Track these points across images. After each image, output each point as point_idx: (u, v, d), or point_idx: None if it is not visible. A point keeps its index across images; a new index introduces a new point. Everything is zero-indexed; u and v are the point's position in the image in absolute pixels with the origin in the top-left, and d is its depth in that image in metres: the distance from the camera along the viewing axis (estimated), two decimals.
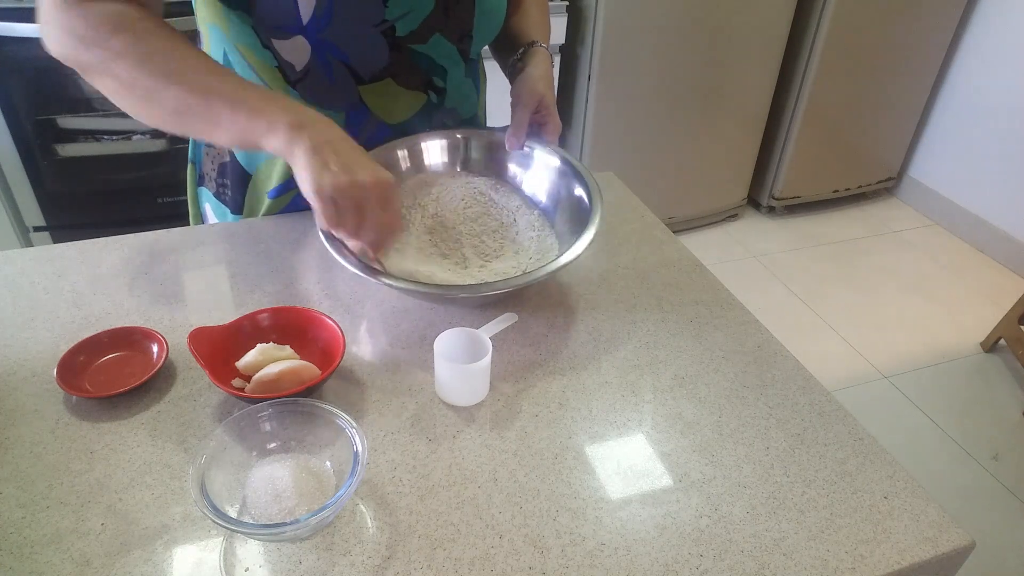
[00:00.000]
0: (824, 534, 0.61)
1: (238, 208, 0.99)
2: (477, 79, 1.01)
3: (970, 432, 1.95)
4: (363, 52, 0.83)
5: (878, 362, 2.17)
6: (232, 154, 0.95)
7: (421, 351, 0.78)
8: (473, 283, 0.82)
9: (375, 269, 0.75)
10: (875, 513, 0.63)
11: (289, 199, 0.97)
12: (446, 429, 0.69)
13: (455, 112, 0.98)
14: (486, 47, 1.03)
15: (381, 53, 0.84)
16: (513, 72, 0.98)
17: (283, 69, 0.84)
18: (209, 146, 0.98)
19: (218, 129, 0.71)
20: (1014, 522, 1.73)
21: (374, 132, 0.92)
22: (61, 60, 0.71)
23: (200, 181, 1.03)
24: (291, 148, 0.67)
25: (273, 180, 0.95)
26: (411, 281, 0.77)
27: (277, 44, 0.81)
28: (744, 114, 2.52)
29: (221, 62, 0.88)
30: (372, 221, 0.69)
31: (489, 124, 1.14)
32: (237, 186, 0.97)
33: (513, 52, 0.98)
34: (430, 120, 0.95)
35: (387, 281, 0.74)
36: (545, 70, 0.94)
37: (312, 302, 0.84)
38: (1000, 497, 1.79)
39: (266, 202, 0.97)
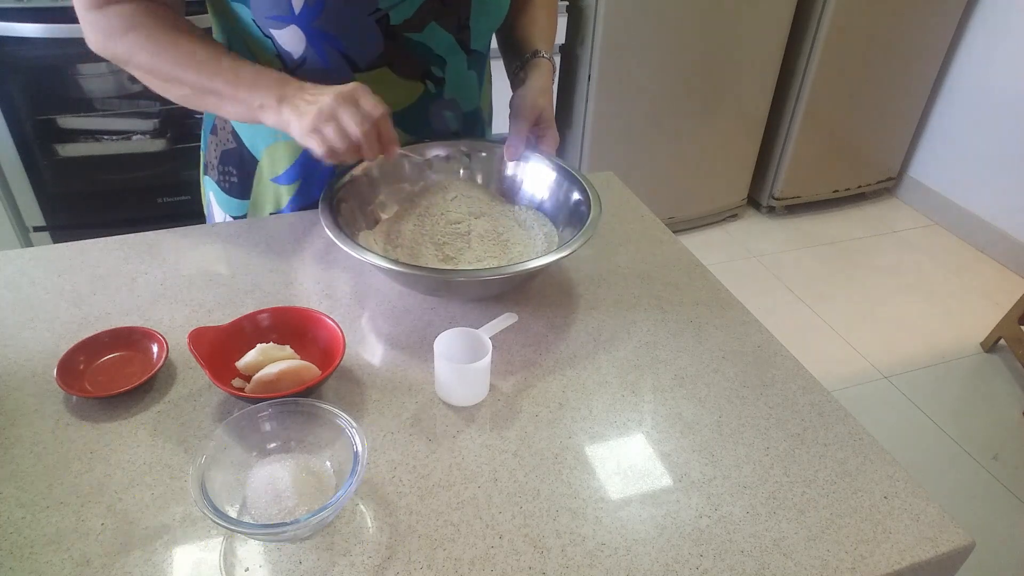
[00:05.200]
0: (824, 534, 0.61)
1: (244, 194, 0.99)
2: (482, 72, 1.01)
3: (969, 432, 1.95)
4: (357, 41, 0.84)
5: (878, 362, 2.17)
6: (238, 140, 0.95)
7: (421, 351, 0.78)
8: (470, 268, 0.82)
9: (379, 254, 0.77)
10: (875, 513, 0.63)
11: (296, 188, 0.97)
12: (446, 429, 0.69)
13: (455, 103, 0.97)
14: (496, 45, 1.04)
15: (376, 42, 0.84)
16: (515, 82, 0.98)
17: (281, 57, 0.85)
18: (213, 134, 0.98)
19: (226, 108, 0.81)
20: (1013, 522, 1.73)
21: None
22: (98, 54, 0.82)
23: (205, 170, 1.04)
24: (280, 119, 0.77)
25: (279, 165, 0.95)
26: (409, 265, 0.78)
27: (273, 33, 0.82)
28: (744, 114, 2.52)
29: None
30: (356, 126, 0.75)
31: (495, 121, 1.14)
32: (243, 172, 0.98)
33: (516, 59, 0.98)
34: (428, 110, 0.95)
35: (386, 264, 0.74)
36: (546, 84, 0.94)
37: (312, 302, 0.84)
38: (999, 497, 1.79)
39: (272, 187, 0.98)
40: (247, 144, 0.95)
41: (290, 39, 0.83)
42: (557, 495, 0.63)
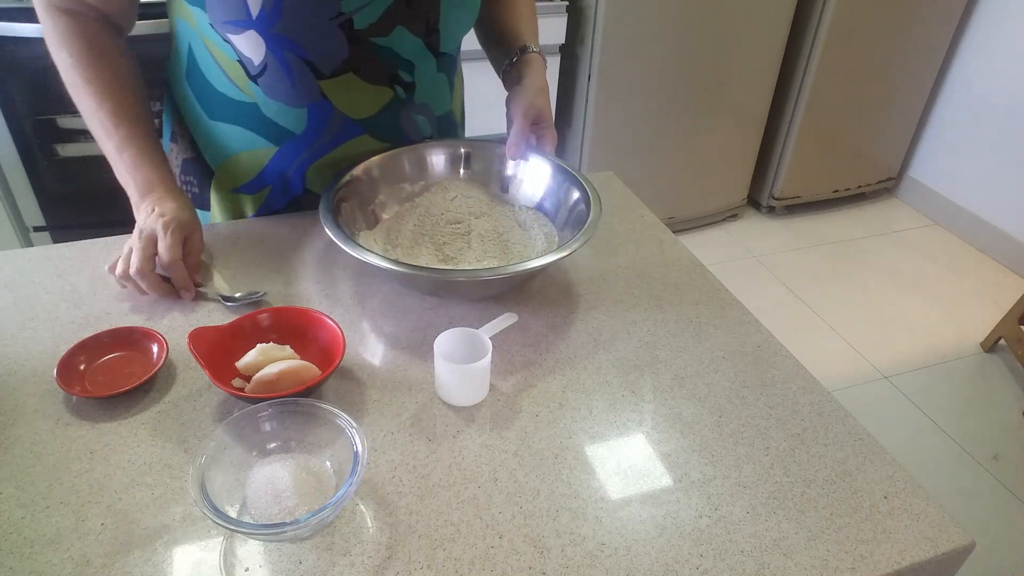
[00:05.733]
0: (824, 534, 0.61)
1: (205, 204, 0.98)
2: (452, 75, 0.99)
3: (970, 432, 1.95)
4: (320, 46, 0.82)
5: (878, 362, 2.17)
6: (196, 150, 0.94)
7: (421, 351, 0.78)
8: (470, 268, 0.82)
9: (379, 254, 0.77)
10: (875, 513, 0.63)
11: (265, 195, 0.96)
12: (446, 429, 0.69)
13: (426, 108, 0.95)
14: (477, 46, 1.02)
15: (339, 47, 0.82)
16: (507, 77, 0.97)
17: (244, 64, 0.84)
18: (173, 142, 0.98)
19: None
20: (1014, 522, 1.73)
21: (340, 128, 0.90)
22: None
23: None
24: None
25: (242, 177, 0.94)
26: (409, 265, 0.78)
27: (232, 39, 0.80)
28: (744, 114, 2.52)
29: (186, 57, 0.88)
30: (135, 264, 0.79)
31: (468, 123, 1.12)
32: (203, 183, 0.97)
33: (505, 55, 0.97)
34: (399, 116, 0.93)
35: (386, 264, 0.74)
36: (542, 82, 0.94)
37: (312, 302, 0.84)
38: (1000, 497, 1.79)
39: (232, 198, 0.97)
40: (205, 155, 0.94)
41: (249, 45, 0.80)
42: (557, 495, 0.63)
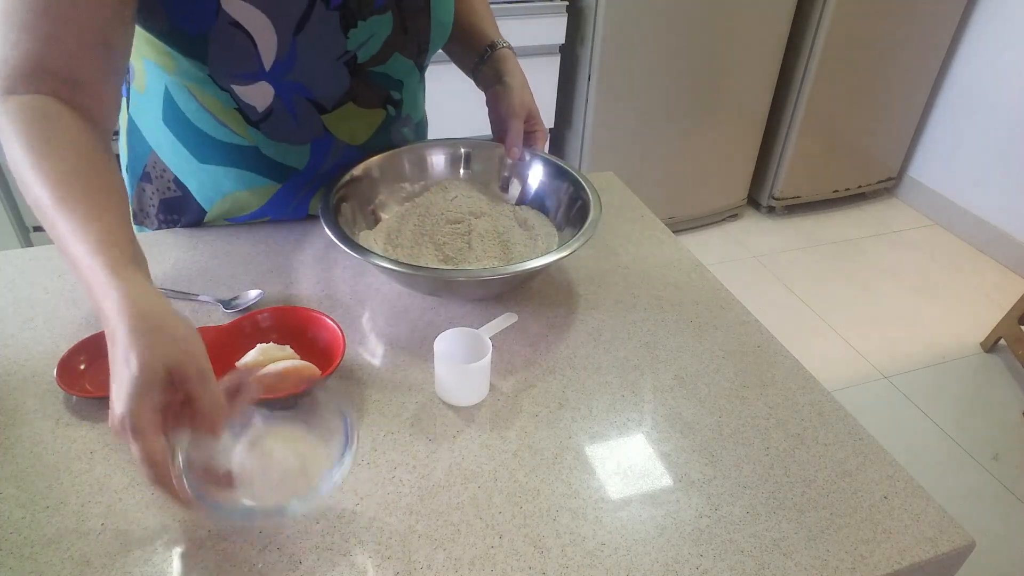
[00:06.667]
0: (824, 534, 0.61)
1: None
2: (423, 82, 1.00)
3: (970, 432, 1.95)
4: (325, 84, 0.82)
5: (878, 362, 2.17)
6: (183, 189, 0.91)
7: (421, 351, 0.78)
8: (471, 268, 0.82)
9: (379, 254, 0.76)
10: (875, 513, 0.63)
11: (265, 221, 0.96)
12: (446, 429, 0.69)
13: (409, 118, 0.96)
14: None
15: (343, 82, 0.83)
16: (479, 75, 0.97)
17: (243, 111, 0.82)
18: (146, 181, 0.92)
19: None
20: (1014, 522, 1.73)
21: (341, 156, 0.90)
22: None
23: (135, 218, 0.96)
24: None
25: (239, 210, 0.93)
26: (409, 265, 0.78)
27: (237, 89, 0.79)
28: (744, 114, 2.52)
29: (161, 100, 0.84)
30: (137, 454, 0.50)
31: (430, 126, 1.12)
32: (191, 219, 0.94)
33: (472, 53, 0.97)
34: (390, 132, 0.93)
35: (387, 264, 0.74)
36: (523, 79, 0.94)
37: (312, 302, 0.84)
38: (1000, 497, 1.79)
39: (225, 225, 0.96)
40: (196, 196, 0.91)
41: (257, 94, 0.79)
42: (557, 495, 0.63)
